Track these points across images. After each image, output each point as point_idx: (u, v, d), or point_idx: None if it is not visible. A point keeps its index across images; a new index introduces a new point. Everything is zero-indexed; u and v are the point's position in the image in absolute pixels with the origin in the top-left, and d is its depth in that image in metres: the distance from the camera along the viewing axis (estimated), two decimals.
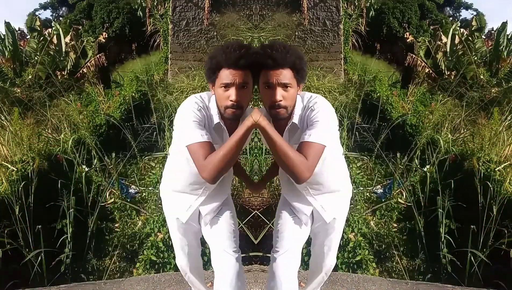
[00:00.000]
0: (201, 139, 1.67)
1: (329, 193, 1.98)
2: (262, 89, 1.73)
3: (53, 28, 8.66)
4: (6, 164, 4.20)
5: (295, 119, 1.75)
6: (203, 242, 2.18)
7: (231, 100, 1.69)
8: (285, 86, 1.69)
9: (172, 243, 2.24)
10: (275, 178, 4.52)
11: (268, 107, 1.73)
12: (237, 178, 4.53)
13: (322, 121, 1.69)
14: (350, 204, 4.41)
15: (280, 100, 1.69)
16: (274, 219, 2.11)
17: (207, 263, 3.97)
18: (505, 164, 4.20)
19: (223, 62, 1.69)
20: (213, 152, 1.65)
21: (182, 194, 1.98)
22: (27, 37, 9.92)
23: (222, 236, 1.99)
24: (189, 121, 1.70)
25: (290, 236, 1.98)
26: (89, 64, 7.72)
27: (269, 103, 1.71)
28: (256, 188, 2.34)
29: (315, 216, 2.04)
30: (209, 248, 2.07)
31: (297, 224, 1.99)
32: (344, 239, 4.05)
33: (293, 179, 1.66)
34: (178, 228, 2.07)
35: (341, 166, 2.02)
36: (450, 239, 3.87)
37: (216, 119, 1.76)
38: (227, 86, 1.69)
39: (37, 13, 15.99)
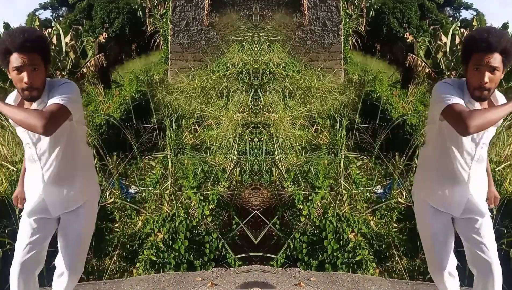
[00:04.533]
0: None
1: (481, 169, 2.08)
2: (471, 70, 1.86)
3: (53, 28, 8.66)
4: (6, 164, 4.20)
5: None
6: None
7: (25, 83, 1.82)
8: (493, 69, 1.83)
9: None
10: (275, 178, 4.53)
11: (472, 88, 1.87)
12: (237, 178, 4.54)
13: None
14: (350, 204, 4.41)
15: (486, 82, 1.83)
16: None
17: (206, 263, 3.98)
18: (505, 164, 4.20)
19: (11, 47, 1.81)
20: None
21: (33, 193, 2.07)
22: None
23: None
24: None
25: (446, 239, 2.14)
26: (89, 64, 7.72)
27: (476, 85, 1.86)
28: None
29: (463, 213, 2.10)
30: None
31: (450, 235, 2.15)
32: (344, 239, 4.05)
33: (459, 128, 1.75)
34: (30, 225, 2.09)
35: None
36: None
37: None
38: (19, 69, 1.82)
39: (37, 13, 15.98)
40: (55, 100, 1.79)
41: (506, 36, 1.83)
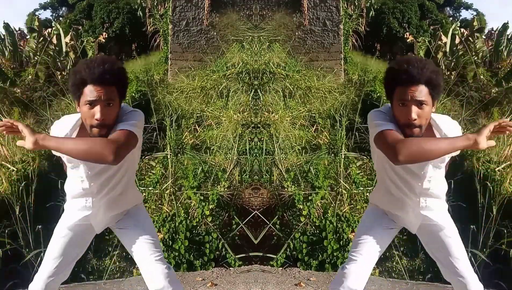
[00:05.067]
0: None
1: (435, 198, 1.93)
2: (396, 106, 1.67)
3: (53, 28, 8.66)
4: (6, 164, 4.20)
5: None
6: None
7: (96, 119, 1.62)
8: (420, 103, 1.63)
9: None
10: (275, 178, 4.53)
11: (402, 126, 1.67)
12: (237, 178, 4.54)
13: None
14: (350, 204, 4.41)
15: (415, 119, 1.63)
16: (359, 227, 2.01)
17: (206, 263, 3.98)
18: (505, 164, 4.20)
19: (87, 78, 1.61)
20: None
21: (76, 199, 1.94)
22: (27, 37, 9.92)
23: (142, 247, 1.93)
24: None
25: (367, 246, 1.91)
26: None
27: (404, 122, 1.66)
28: None
29: (422, 231, 1.97)
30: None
31: (380, 234, 1.93)
32: (344, 239, 4.05)
33: (389, 156, 1.61)
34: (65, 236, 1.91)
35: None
36: None
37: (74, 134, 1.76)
38: (92, 104, 1.61)
39: (37, 13, 15.99)
40: (123, 126, 1.62)
41: (430, 66, 1.64)
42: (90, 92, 1.60)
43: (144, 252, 1.91)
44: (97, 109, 1.61)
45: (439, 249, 1.92)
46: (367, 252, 1.89)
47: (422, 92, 1.62)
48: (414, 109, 1.62)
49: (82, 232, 1.91)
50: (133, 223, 1.95)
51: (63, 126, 1.77)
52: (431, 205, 1.89)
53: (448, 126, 1.76)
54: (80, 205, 1.89)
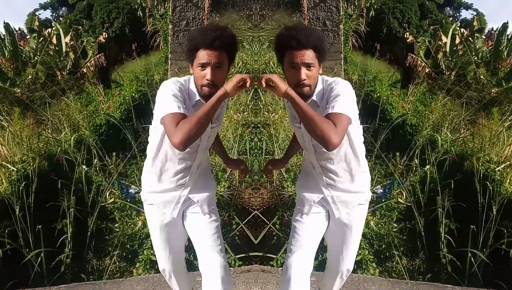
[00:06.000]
0: (176, 110, 1.74)
1: (345, 193, 2.05)
2: (287, 68, 1.83)
3: (53, 28, 8.66)
4: (6, 164, 4.20)
5: (315, 97, 1.86)
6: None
7: (207, 79, 1.78)
8: (308, 66, 1.79)
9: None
10: (275, 179, 4.53)
11: (293, 86, 1.80)
12: (237, 178, 4.54)
13: (342, 95, 1.79)
14: None
15: (305, 79, 1.79)
16: (292, 218, 2.18)
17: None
18: (505, 164, 4.20)
19: (200, 43, 1.79)
20: (185, 119, 1.72)
21: (167, 193, 2.06)
22: (27, 37, 9.92)
23: (208, 235, 2.05)
24: (167, 95, 1.79)
25: (305, 235, 2.03)
26: (89, 64, 7.73)
27: (294, 82, 1.80)
28: (275, 165, 2.39)
29: (330, 215, 2.08)
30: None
31: (312, 222, 2.06)
32: None
33: (323, 144, 1.70)
34: (161, 232, 2.11)
35: (363, 168, 2.09)
36: (450, 239, 3.87)
37: (196, 97, 1.86)
38: (203, 66, 1.79)
39: (37, 13, 16.01)
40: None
41: (316, 33, 1.84)
42: (202, 56, 1.79)
43: (208, 240, 2.03)
44: (208, 70, 1.78)
45: (335, 240, 2.11)
46: (303, 238, 2.03)
47: (309, 55, 1.79)
48: (304, 70, 1.79)
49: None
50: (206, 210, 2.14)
51: (184, 84, 1.88)
52: (334, 183, 2.04)
53: (331, 90, 1.85)
54: (180, 182, 2.05)
